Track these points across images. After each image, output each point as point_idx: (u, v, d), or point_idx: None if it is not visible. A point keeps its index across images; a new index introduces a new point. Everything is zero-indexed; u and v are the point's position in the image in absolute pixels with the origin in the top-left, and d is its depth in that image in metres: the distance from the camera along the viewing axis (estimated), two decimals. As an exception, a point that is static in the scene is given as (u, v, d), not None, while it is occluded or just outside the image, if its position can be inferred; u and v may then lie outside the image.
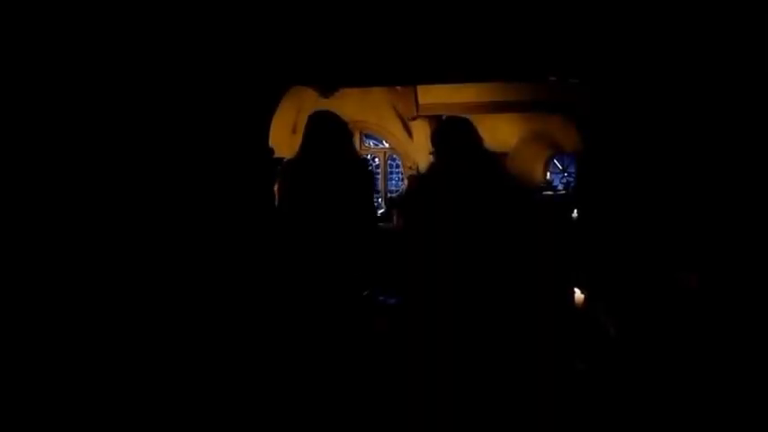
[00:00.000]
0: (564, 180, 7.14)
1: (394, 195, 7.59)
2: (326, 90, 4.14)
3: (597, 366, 2.95)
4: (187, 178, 3.15)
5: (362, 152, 8.06)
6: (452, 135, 2.80)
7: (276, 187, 3.17)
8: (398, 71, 3.76)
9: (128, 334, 2.78)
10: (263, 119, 3.59)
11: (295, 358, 2.80)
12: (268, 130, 3.66)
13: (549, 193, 6.62)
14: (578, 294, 3.13)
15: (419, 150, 7.35)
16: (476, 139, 2.79)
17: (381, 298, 5.85)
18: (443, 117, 6.47)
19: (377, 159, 8.14)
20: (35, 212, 2.68)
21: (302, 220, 2.81)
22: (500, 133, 6.80)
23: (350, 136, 3.03)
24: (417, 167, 7.35)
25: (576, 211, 4.91)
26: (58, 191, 2.76)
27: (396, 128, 7.55)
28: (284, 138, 7.15)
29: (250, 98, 3.40)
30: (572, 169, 7.07)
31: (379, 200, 7.82)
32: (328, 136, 2.84)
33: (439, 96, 6.39)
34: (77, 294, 2.71)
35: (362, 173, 2.97)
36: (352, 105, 7.34)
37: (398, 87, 6.51)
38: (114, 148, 2.94)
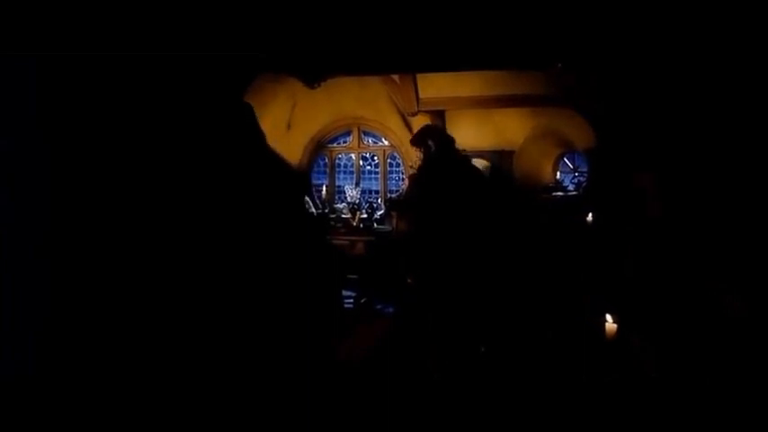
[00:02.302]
0: (575, 180, 6.79)
1: (393, 196, 7.25)
2: (312, 80, 3.76)
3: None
4: (150, 174, 2.83)
5: (361, 150, 7.73)
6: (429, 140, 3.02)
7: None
8: (393, 58, 3.42)
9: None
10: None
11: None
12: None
13: (559, 193, 6.29)
14: (610, 324, 2.71)
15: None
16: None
17: (379, 306, 5.56)
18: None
19: (376, 158, 7.78)
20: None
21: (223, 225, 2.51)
22: (507, 130, 6.59)
23: (261, 132, 2.69)
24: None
25: (590, 214, 4.54)
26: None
27: (396, 124, 7.28)
28: (279, 135, 6.87)
29: (220, 86, 3.05)
30: (583, 169, 6.70)
31: (379, 200, 7.50)
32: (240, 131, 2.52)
33: (441, 90, 6.12)
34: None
35: (282, 172, 2.74)
36: (349, 100, 7.11)
37: (397, 79, 6.19)
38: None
